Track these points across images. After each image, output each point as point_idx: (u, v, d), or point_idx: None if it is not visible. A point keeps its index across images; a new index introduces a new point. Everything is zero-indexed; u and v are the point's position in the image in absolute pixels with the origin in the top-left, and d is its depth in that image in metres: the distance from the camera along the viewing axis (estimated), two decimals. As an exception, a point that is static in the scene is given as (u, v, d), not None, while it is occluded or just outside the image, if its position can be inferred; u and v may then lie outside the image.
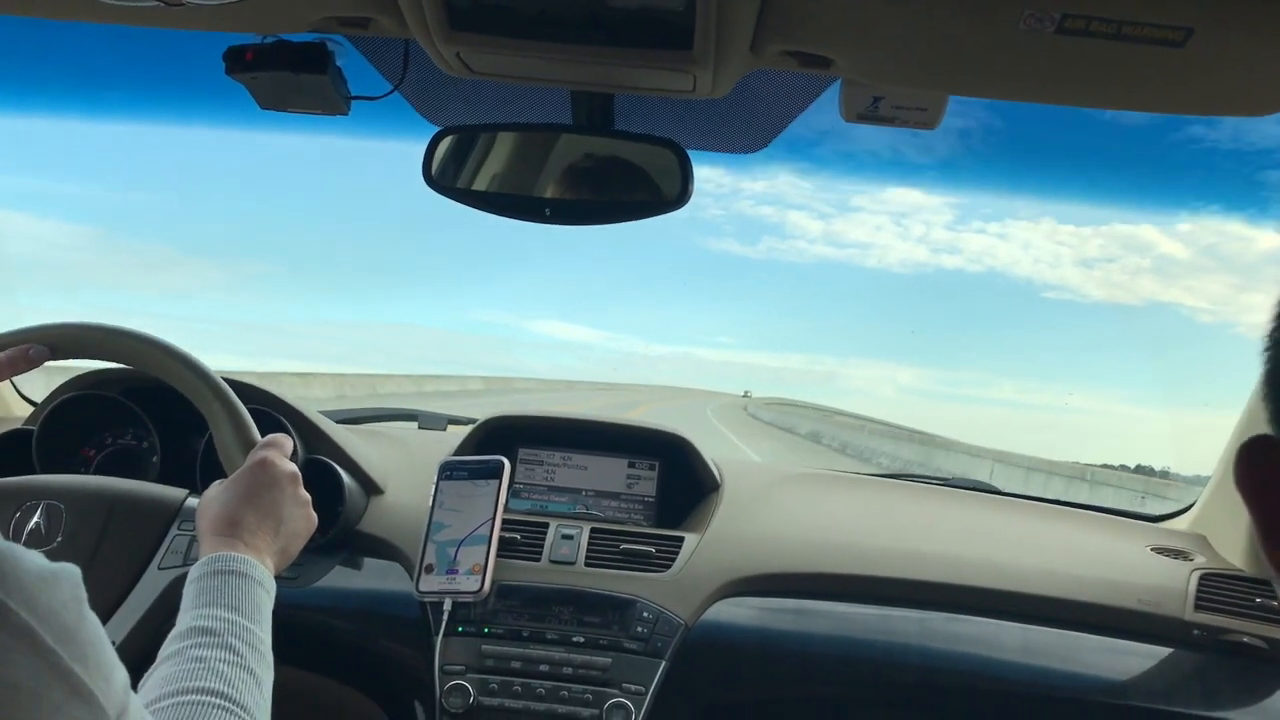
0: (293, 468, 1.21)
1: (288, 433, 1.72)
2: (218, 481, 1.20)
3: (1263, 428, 0.56)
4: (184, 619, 0.99)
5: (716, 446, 2.24)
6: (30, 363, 1.23)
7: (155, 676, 0.92)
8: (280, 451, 1.22)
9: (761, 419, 38.49)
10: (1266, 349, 0.53)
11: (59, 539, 1.39)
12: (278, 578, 1.12)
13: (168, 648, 0.96)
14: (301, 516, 1.19)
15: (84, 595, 0.69)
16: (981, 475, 13.25)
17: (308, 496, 1.21)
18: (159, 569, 1.43)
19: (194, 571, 1.05)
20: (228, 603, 1.00)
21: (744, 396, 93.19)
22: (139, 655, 1.08)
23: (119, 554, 1.42)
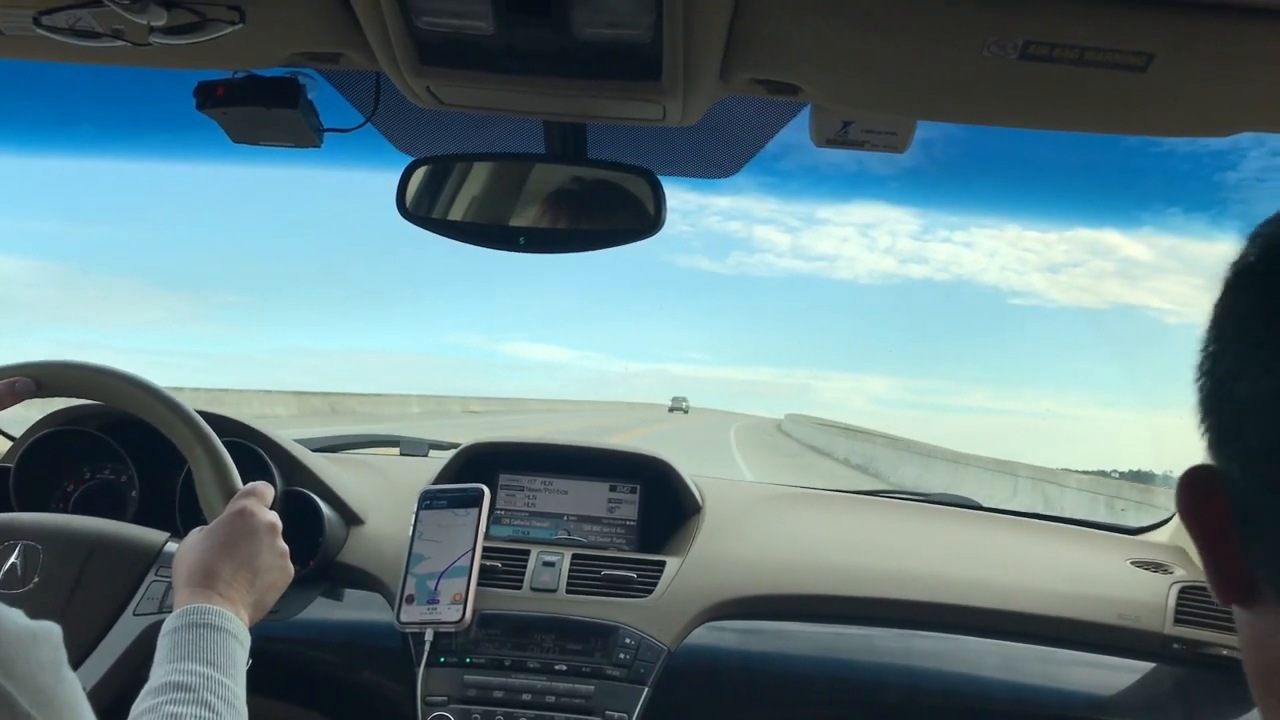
0: (272, 518, 1.20)
1: (266, 465, 1.72)
2: (196, 529, 1.19)
3: None
4: (158, 673, 0.98)
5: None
6: (15, 397, 1.22)
7: None
8: (260, 500, 1.21)
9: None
10: (1198, 378, 0.52)
11: (35, 580, 1.37)
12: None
13: (141, 703, 0.95)
14: (278, 568, 1.19)
15: (64, 656, 0.68)
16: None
17: (285, 547, 1.21)
18: (134, 615, 1.40)
19: (169, 623, 1.04)
20: (203, 657, 0.99)
21: (673, 409, 69.21)
22: (111, 702, 1.07)
23: (95, 598, 1.40)
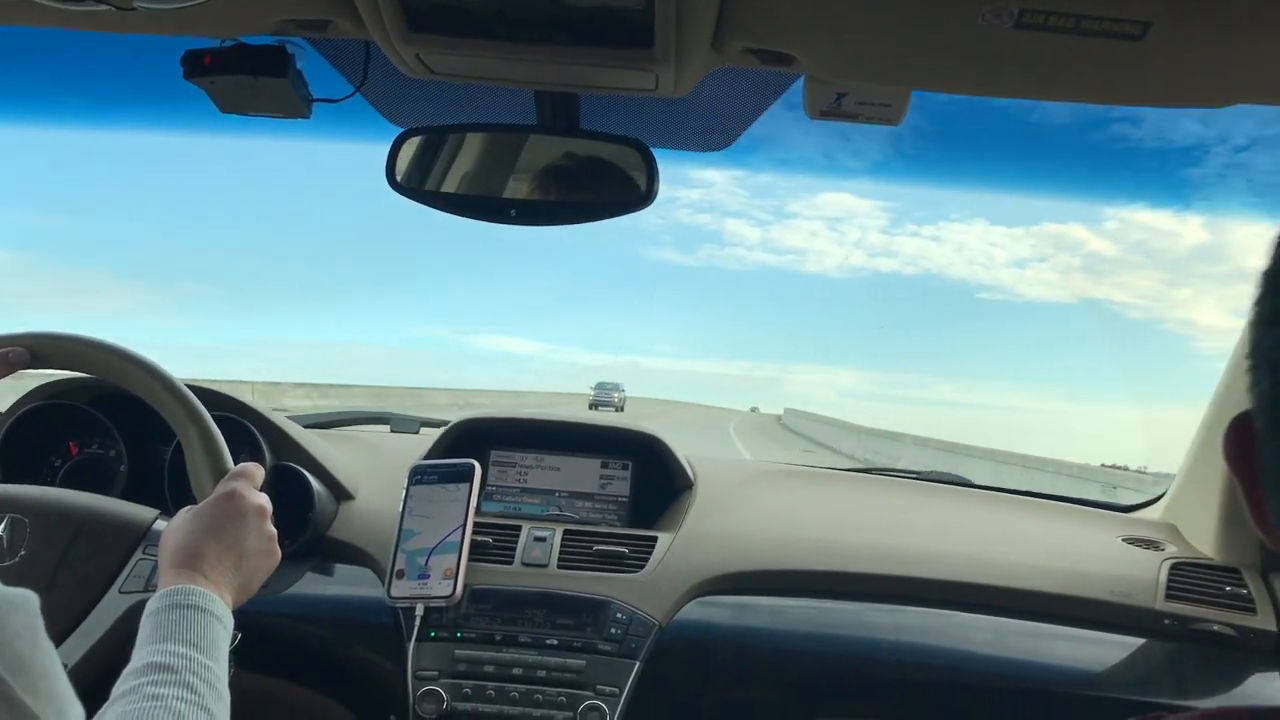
0: (261, 500, 1.19)
1: (255, 440, 1.71)
2: (184, 509, 1.17)
3: (1228, 416, 0.57)
4: (140, 654, 0.97)
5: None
6: (9, 367, 1.19)
7: (110, 714, 0.89)
8: (250, 482, 1.19)
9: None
10: (1251, 323, 0.54)
11: (21, 553, 1.36)
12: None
13: (123, 684, 0.93)
14: (265, 552, 1.17)
15: (41, 625, 0.67)
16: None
17: (273, 531, 1.19)
18: (120, 593, 1.39)
19: (152, 604, 1.02)
20: (186, 638, 0.98)
21: (598, 404, 42.81)
22: (92, 680, 1.06)
23: (80, 574, 1.38)
